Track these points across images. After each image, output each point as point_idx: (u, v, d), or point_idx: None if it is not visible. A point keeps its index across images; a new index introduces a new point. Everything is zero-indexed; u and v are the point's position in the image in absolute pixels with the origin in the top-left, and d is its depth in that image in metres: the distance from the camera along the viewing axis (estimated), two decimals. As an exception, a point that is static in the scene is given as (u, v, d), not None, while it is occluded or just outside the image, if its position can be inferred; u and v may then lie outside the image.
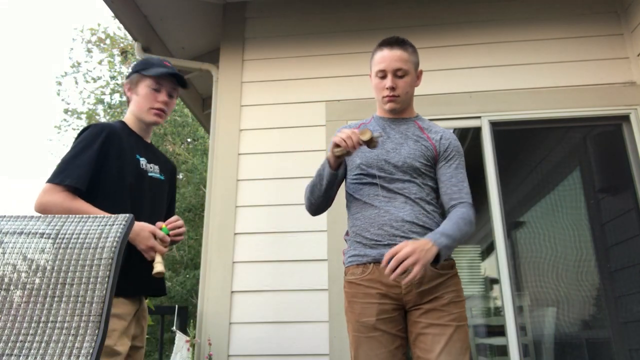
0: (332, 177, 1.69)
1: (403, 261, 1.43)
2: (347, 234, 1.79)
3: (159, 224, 1.71)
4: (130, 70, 1.90)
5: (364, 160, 1.73)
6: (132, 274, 1.59)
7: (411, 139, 1.74)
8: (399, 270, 1.43)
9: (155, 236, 1.64)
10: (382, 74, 1.75)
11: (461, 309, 1.59)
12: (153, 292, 1.79)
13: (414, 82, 1.78)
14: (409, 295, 1.57)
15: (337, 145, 1.59)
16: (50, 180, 1.58)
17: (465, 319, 1.58)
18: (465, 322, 1.57)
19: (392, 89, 1.72)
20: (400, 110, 1.80)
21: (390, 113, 1.81)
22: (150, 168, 1.81)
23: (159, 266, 1.60)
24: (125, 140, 1.73)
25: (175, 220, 1.75)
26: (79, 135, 1.68)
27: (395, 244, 1.53)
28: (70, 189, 1.58)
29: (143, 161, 1.78)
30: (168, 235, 1.69)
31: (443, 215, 1.71)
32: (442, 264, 1.58)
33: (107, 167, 1.65)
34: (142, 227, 1.62)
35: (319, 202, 1.78)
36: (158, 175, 1.85)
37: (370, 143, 1.58)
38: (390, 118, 1.82)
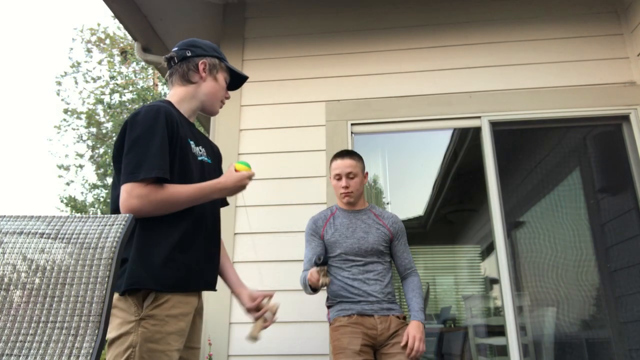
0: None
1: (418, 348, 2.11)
2: (327, 299, 2.30)
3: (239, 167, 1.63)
4: (194, 48, 1.71)
5: (344, 250, 2.25)
6: (187, 266, 1.48)
7: (373, 227, 2.30)
8: (414, 355, 2.09)
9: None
10: (338, 177, 2.33)
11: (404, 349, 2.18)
12: (206, 285, 1.63)
13: (362, 181, 2.36)
14: (381, 337, 2.16)
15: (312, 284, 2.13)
16: (130, 180, 1.41)
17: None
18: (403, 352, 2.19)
19: (346, 187, 2.30)
20: (354, 202, 2.35)
21: (347, 205, 2.36)
22: (200, 151, 1.66)
23: (255, 332, 1.70)
24: (178, 122, 1.56)
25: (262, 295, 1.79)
26: (133, 123, 1.48)
27: (370, 307, 2.18)
28: (154, 181, 1.43)
29: (192, 144, 1.62)
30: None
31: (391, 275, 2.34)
32: (400, 315, 2.23)
33: (171, 154, 1.50)
34: (229, 176, 1.56)
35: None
36: (206, 159, 1.70)
37: (324, 285, 2.09)
38: (351, 210, 2.36)
